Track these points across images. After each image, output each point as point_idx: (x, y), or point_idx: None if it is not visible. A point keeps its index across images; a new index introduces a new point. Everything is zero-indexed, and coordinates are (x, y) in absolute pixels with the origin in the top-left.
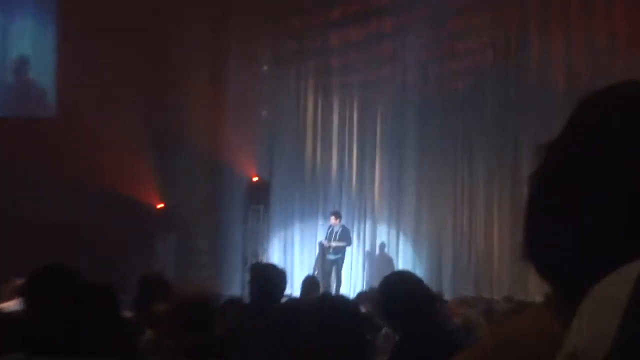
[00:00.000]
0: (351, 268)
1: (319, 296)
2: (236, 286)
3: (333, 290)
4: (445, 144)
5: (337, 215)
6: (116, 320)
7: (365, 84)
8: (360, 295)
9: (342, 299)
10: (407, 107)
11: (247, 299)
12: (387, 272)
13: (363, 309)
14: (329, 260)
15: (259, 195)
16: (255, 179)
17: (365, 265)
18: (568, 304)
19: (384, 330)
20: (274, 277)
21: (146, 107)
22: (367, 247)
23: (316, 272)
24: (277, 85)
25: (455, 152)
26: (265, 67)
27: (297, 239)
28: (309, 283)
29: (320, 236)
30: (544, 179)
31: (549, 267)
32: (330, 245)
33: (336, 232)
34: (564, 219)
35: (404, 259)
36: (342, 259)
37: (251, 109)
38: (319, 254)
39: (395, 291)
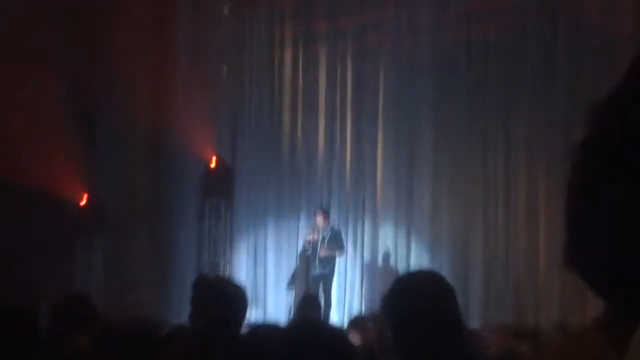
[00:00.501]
0: (344, 286)
1: (294, 321)
2: (186, 312)
3: (320, 316)
4: (472, 115)
5: (325, 213)
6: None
7: (363, 28)
8: (355, 322)
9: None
10: (420, 61)
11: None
12: None
13: (356, 341)
14: (315, 276)
15: (219, 186)
16: (213, 164)
17: (364, 283)
18: (623, 326)
19: None
20: (229, 295)
21: (64, 70)
22: (367, 257)
23: (295, 292)
24: (242, 32)
25: (487, 125)
26: (225, 9)
27: (270, 245)
28: (307, 304)
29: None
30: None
31: (597, 276)
32: (316, 255)
33: (322, 238)
34: (616, 218)
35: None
36: (332, 273)
37: (208, 66)
38: (299, 266)
39: (411, 300)
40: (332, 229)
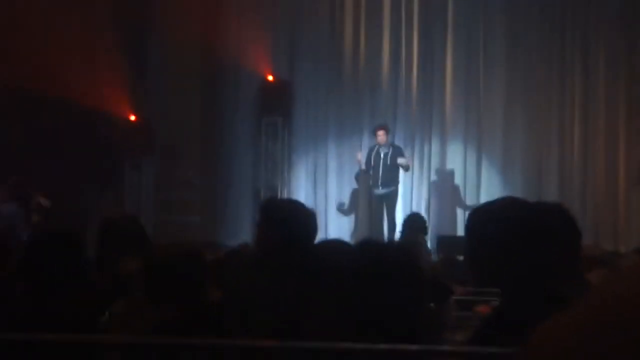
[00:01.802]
0: (410, 207)
1: (362, 241)
2: (244, 233)
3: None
4: (550, 26)
5: (386, 130)
6: (79, 285)
7: None
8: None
9: (398, 247)
10: None
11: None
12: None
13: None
14: (377, 196)
15: (276, 103)
16: (270, 78)
17: (430, 203)
18: None
19: (453, 298)
20: (299, 218)
21: None
22: (433, 177)
23: (358, 215)
24: None
25: (564, 39)
26: None
27: (332, 165)
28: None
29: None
30: None
31: None
32: (379, 174)
33: (385, 155)
34: None
35: (488, 193)
36: (396, 193)
37: None
38: (358, 185)
39: (510, 225)
40: (392, 146)
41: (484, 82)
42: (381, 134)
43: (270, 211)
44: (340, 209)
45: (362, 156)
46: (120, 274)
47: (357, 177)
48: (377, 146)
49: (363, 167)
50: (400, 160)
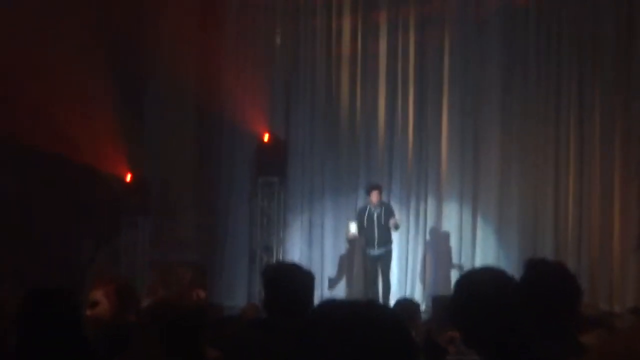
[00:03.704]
0: (405, 268)
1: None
2: (240, 292)
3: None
4: (545, 85)
5: (379, 189)
6: (73, 341)
7: None
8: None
9: (388, 312)
10: (490, 24)
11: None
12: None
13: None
14: (372, 257)
15: (272, 162)
16: (266, 137)
17: (426, 264)
18: None
19: (448, 358)
20: (299, 282)
21: (108, 41)
22: (429, 237)
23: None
24: None
25: (560, 98)
26: None
27: (327, 224)
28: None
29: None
30: None
31: None
32: (374, 236)
33: (378, 216)
34: None
35: (483, 253)
36: (390, 253)
37: (259, 34)
38: (351, 248)
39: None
40: (384, 204)
41: (479, 140)
42: (375, 194)
43: (271, 276)
44: (332, 285)
45: (353, 228)
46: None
47: (349, 240)
48: (368, 207)
49: (352, 237)
50: (391, 222)
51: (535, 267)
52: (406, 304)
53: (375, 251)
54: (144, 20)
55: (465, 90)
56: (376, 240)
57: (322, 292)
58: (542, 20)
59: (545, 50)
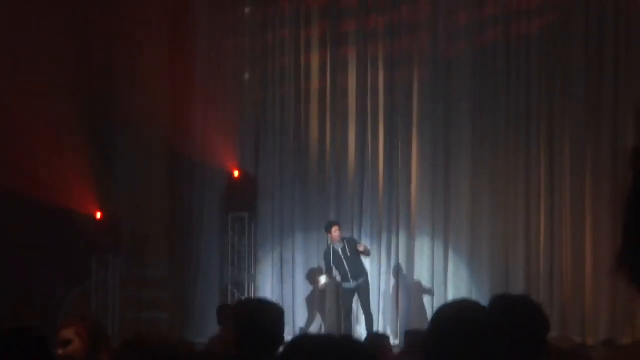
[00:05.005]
0: (378, 302)
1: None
2: (211, 329)
3: (362, 335)
4: (515, 119)
5: (339, 225)
6: None
7: (396, 26)
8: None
9: (360, 347)
10: (460, 62)
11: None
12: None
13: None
14: (348, 290)
15: (243, 198)
16: (236, 173)
17: (398, 298)
18: None
19: None
20: (269, 317)
21: (76, 79)
22: (401, 272)
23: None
24: (265, 34)
25: (530, 131)
26: (247, 10)
27: (298, 260)
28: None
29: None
30: None
31: None
32: (346, 270)
33: (342, 250)
34: None
35: (456, 287)
36: (367, 283)
37: (228, 71)
38: (326, 285)
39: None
40: (345, 238)
41: (450, 175)
42: (335, 229)
43: (242, 311)
44: (304, 321)
45: (323, 279)
46: None
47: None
48: (332, 245)
49: (323, 287)
50: (359, 248)
51: (499, 302)
52: (378, 338)
53: (351, 284)
54: (115, 60)
55: (435, 127)
56: (349, 274)
57: (294, 328)
58: (511, 56)
59: (515, 88)
